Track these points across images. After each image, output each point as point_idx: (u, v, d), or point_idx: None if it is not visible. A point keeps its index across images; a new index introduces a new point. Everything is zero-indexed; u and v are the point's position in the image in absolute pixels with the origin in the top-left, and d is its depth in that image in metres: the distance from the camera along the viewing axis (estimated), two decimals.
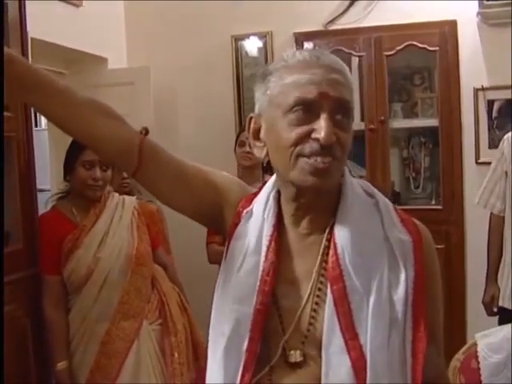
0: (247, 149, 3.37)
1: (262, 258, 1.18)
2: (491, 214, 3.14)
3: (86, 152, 2.60)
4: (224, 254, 1.25)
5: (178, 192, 1.27)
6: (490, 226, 3.15)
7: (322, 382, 1.10)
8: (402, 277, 1.11)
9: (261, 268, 1.18)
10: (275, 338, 1.17)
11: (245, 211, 1.26)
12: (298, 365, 1.16)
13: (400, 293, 1.10)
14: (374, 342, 1.08)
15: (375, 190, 1.23)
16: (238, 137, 3.58)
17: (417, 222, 1.21)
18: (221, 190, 1.28)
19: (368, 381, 1.08)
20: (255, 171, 3.42)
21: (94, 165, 2.62)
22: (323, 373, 1.10)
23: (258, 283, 1.17)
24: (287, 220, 1.22)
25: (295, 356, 1.15)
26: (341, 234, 1.14)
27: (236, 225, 1.25)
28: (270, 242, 1.19)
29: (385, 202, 1.21)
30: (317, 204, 1.19)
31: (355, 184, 1.22)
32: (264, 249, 1.19)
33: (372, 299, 1.09)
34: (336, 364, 1.09)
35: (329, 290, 1.13)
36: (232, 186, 1.31)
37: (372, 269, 1.12)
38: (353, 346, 1.09)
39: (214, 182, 1.28)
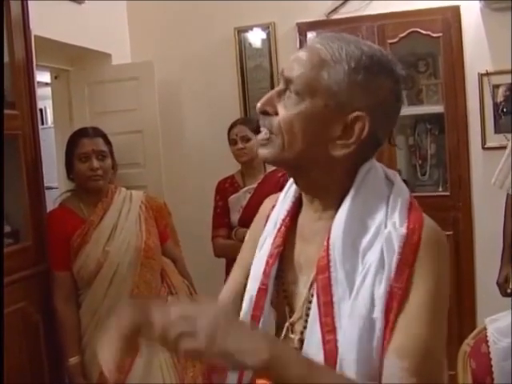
0: (240, 145, 3.36)
1: (271, 241, 1.20)
2: (507, 195, 3.13)
3: (79, 145, 2.63)
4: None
5: None
6: (506, 208, 3.13)
7: None
8: (385, 273, 1.02)
9: (268, 250, 1.20)
10: (284, 322, 1.18)
11: (281, 193, 1.28)
12: (299, 350, 1.15)
13: (381, 291, 1.01)
14: (346, 339, 1.02)
15: (398, 182, 1.16)
16: (228, 136, 3.48)
17: (428, 222, 1.08)
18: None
19: None
20: (255, 164, 3.39)
21: (89, 156, 2.65)
22: None
23: (264, 264, 1.19)
24: (304, 204, 1.21)
25: (293, 341, 1.15)
26: (337, 224, 1.10)
27: (273, 207, 1.28)
28: (281, 225, 1.21)
29: (398, 195, 1.12)
30: (303, 182, 1.17)
31: (374, 174, 1.17)
32: (275, 232, 1.21)
33: (352, 294, 1.04)
34: (313, 355, 1.04)
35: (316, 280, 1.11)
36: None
37: (361, 263, 1.06)
38: (328, 339, 1.04)
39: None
